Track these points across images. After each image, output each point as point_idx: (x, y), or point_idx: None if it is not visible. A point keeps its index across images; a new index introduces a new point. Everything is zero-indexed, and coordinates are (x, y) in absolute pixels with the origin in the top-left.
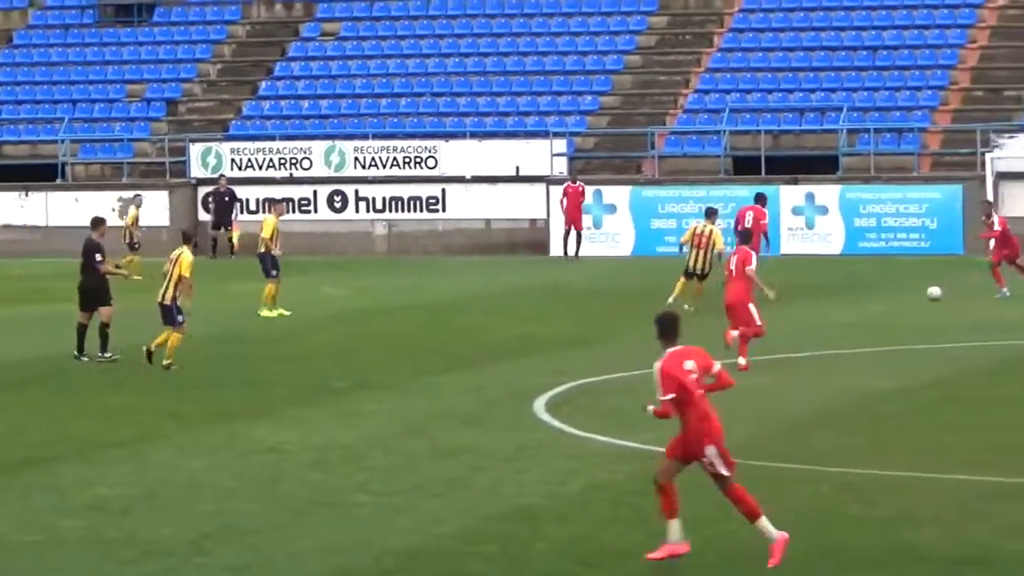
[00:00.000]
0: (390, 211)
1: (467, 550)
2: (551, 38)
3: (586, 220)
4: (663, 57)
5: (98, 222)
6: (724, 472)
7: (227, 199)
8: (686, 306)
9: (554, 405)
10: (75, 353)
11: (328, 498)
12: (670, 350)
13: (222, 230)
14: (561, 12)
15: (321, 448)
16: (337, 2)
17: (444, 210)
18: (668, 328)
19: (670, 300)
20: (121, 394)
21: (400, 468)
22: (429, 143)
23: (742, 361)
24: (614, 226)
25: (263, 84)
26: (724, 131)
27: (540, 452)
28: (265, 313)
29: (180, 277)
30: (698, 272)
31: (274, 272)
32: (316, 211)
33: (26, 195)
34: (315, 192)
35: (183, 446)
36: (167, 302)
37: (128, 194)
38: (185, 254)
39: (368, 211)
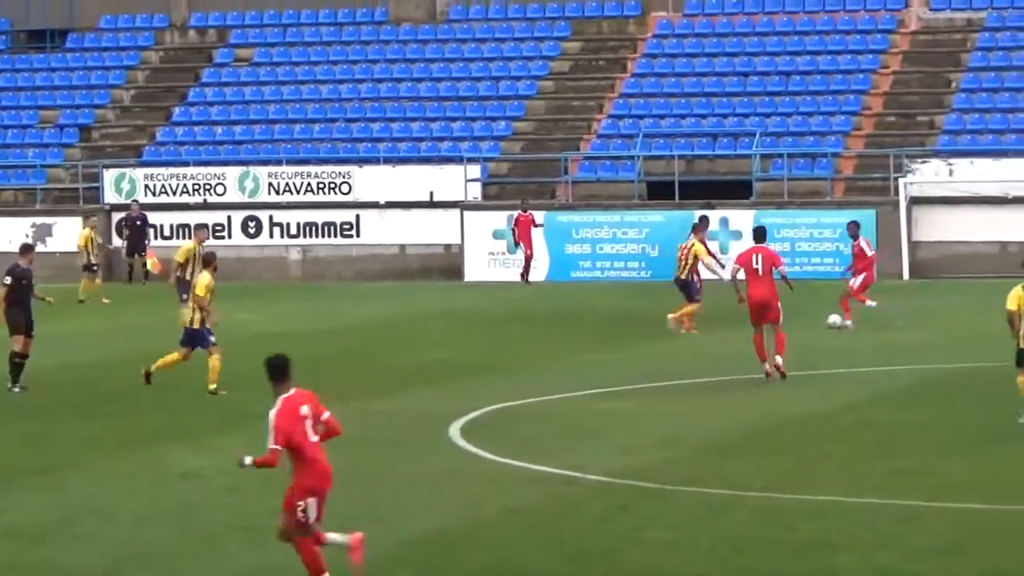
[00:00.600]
0: (304, 236)
1: (384, 575)
2: (464, 63)
3: (499, 245)
4: (576, 82)
5: (27, 248)
6: (313, 524)
7: (139, 224)
8: (683, 330)
9: (469, 430)
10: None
11: (244, 523)
12: (283, 396)
13: (135, 256)
14: (474, 38)
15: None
16: (250, 28)
17: (358, 235)
18: (278, 371)
19: (679, 328)
20: (37, 420)
21: None
22: (343, 168)
23: (779, 360)
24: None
25: (177, 110)
26: (638, 156)
27: (456, 477)
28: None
29: (196, 298)
30: (681, 278)
31: (185, 296)
32: (230, 237)
33: None
34: (229, 218)
35: (99, 472)
36: (195, 326)
37: (43, 220)
38: (202, 276)
39: (282, 236)
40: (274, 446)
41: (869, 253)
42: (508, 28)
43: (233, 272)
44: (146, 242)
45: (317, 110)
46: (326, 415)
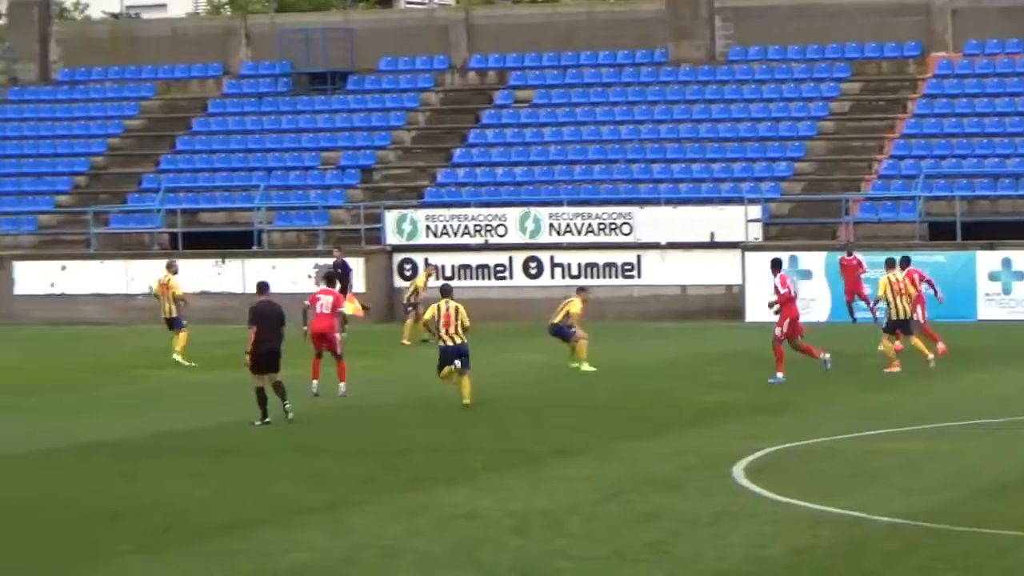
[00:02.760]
0: (585, 277)
1: None
2: (744, 104)
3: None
4: (857, 123)
5: (267, 286)
6: None
7: (340, 272)
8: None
9: (753, 470)
10: (263, 420)
11: (528, 564)
12: None
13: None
14: (754, 79)
15: (519, 514)
16: (530, 69)
17: (639, 276)
18: None
19: (897, 368)
20: (314, 460)
21: (599, 533)
22: (624, 209)
23: None
24: (810, 291)
25: (457, 151)
26: (919, 197)
27: (740, 517)
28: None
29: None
30: (904, 319)
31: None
32: (511, 277)
33: (223, 262)
34: (510, 259)
35: (380, 511)
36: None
37: (323, 261)
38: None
39: (563, 277)
40: None
41: (782, 290)
42: (787, 69)
43: (514, 313)
44: (348, 287)
45: (597, 151)
46: None
